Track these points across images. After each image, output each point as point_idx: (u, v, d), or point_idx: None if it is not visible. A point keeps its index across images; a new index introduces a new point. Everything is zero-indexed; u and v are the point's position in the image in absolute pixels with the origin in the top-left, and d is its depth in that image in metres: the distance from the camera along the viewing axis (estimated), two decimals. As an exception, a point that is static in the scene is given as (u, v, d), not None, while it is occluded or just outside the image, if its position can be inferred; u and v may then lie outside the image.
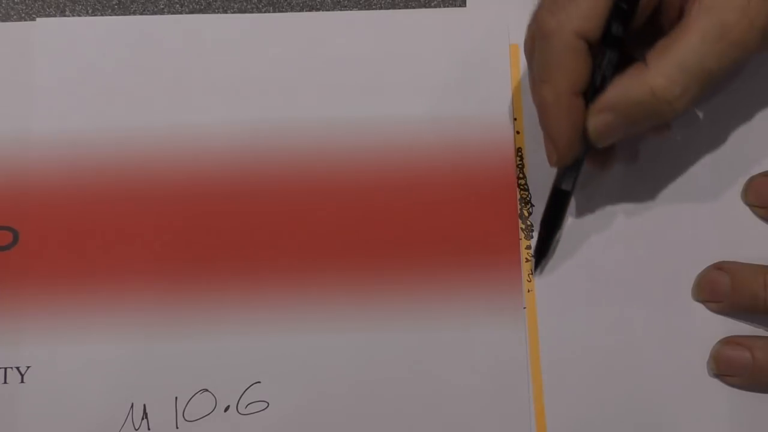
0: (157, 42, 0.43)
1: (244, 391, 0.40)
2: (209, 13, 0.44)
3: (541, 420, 0.40)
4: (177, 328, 0.40)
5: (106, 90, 0.43)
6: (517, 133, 0.43)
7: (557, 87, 0.36)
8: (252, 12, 0.44)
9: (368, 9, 0.44)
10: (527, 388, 0.41)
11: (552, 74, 0.36)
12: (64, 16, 0.44)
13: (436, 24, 0.44)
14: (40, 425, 0.39)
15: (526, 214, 0.42)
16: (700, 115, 0.43)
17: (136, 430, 0.40)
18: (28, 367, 0.40)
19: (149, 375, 0.40)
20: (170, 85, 0.43)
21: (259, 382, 0.40)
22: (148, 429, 0.40)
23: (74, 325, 0.40)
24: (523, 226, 0.42)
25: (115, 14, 0.44)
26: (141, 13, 0.44)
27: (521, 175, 0.42)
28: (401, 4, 0.44)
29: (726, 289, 0.40)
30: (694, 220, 0.42)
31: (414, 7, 0.44)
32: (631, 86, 0.36)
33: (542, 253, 0.41)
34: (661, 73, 0.35)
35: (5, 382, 0.40)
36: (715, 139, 0.43)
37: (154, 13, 0.44)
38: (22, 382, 0.40)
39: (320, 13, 0.44)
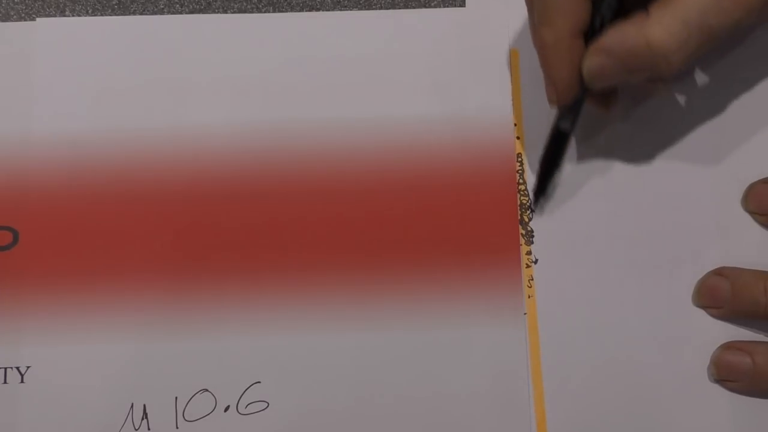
0: (157, 42, 0.43)
1: (244, 391, 0.40)
2: (209, 13, 0.44)
3: (542, 425, 0.40)
4: (177, 328, 0.40)
5: (106, 90, 0.42)
6: (517, 138, 0.43)
7: (557, 29, 0.37)
8: (252, 12, 0.44)
9: (368, 9, 0.44)
10: (528, 393, 0.40)
11: (552, 17, 0.37)
12: (64, 16, 0.44)
13: (436, 24, 0.43)
14: (40, 425, 0.40)
15: (527, 219, 0.42)
16: (701, 118, 0.43)
17: (136, 430, 0.40)
18: (28, 367, 0.40)
19: (149, 375, 0.40)
20: (170, 85, 0.43)
21: (259, 382, 0.40)
22: (148, 429, 0.40)
23: (74, 325, 0.40)
24: (524, 232, 0.42)
25: (115, 14, 0.44)
26: (141, 13, 0.44)
27: (521, 181, 0.42)
28: (401, 4, 0.44)
29: (726, 294, 0.40)
30: (695, 227, 0.42)
31: (414, 7, 0.44)
32: (629, 33, 0.35)
33: (541, 191, 0.41)
34: (661, 23, 0.35)
35: (5, 382, 0.40)
36: (716, 143, 0.42)
37: (154, 13, 0.44)
38: (22, 382, 0.40)
39: (320, 13, 0.44)
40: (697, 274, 0.41)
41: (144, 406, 0.40)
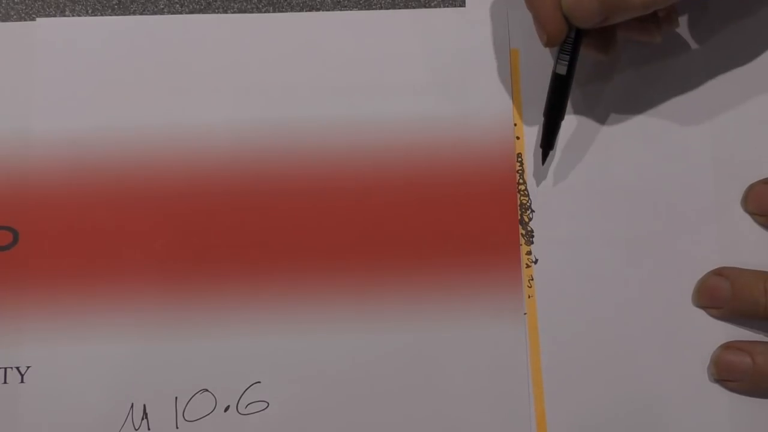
0: (157, 42, 0.43)
1: (244, 391, 0.40)
2: (209, 13, 0.44)
3: (542, 425, 0.40)
4: (177, 327, 0.41)
5: (106, 90, 0.42)
6: (517, 138, 0.43)
7: None
8: (252, 12, 0.44)
9: (368, 9, 0.44)
10: (528, 393, 0.40)
11: None
12: (64, 16, 0.43)
13: (436, 24, 0.43)
14: (40, 425, 0.40)
15: (527, 219, 0.42)
16: (701, 118, 0.43)
17: (136, 430, 0.40)
18: (28, 367, 0.40)
19: (149, 375, 0.40)
20: (170, 85, 0.43)
21: (259, 382, 0.40)
22: (148, 429, 0.40)
23: (74, 325, 0.40)
24: (524, 232, 0.42)
25: (115, 14, 0.44)
26: (141, 13, 0.44)
27: (521, 181, 0.42)
28: (401, 4, 0.44)
29: (726, 294, 0.40)
30: (695, 227, 0.42)
31: (414, 7, 0.44)
32: None
33: (548, 145, 0.41)
34: None
35: (5, 382, 0.40)
36: (716, 144, 0.42)
37: (154, 13, 0.44)
38: (22, 382, 0.40)
39: (320, 13, 0.44)
40: (697, 274, 0.41)
41: (144, 406, 0.40)
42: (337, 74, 0.43)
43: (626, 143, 0.42)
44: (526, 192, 0.42)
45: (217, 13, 0.44)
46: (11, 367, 0.40)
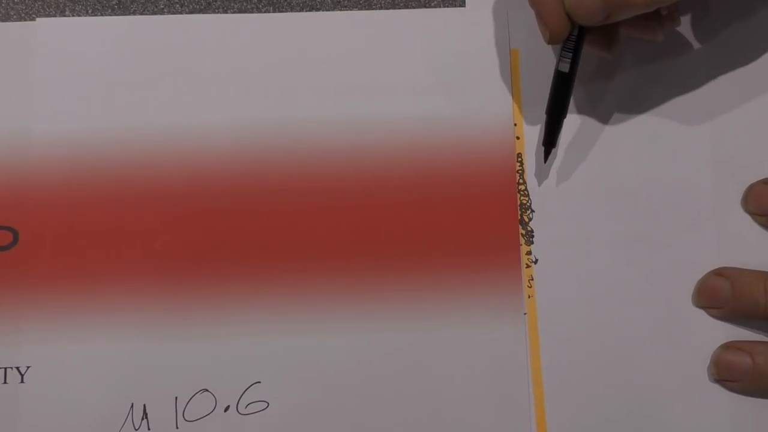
0: (157, 42, 0.43)
1: (244, 391, 0.40)
2: (209, 13, 0.44)
3: (542, 425, 0.40)
4: (177, 328, 0.41)
5: (106, 90, 0.42)
6: (517, 138, 0.43)
7: None
8: (252, 12, 0.44)
9: (368, 9, 0.44)
10: (528, 393, 0.40)
11: None
12: (64, 16, 0.43)
13: (436, 24, 0.43)
14: (40, 425, 0.40)
15: (527, 219, 0.42)
16: (701, 118, 0.43)
17: (136, 430, 0.40)
18: (28, 367, 0.40)
19: (149, 375, 0.40)
20: (170, 85, 0.43)
21: (259, 382, 0.40)
22: (148, 429, 0.40)
23: (74, 325, 0.40)
24: (524, 232, 0.42)
25: (115, 14, 0.44)
26: (141, 13, 0.44)
27: (521, 181, 0.42)
28: (401, 4, 0.44)
29: (726, 295, 0.40)
30: (695, 227, 0.42)
31: (414, 7, 0.44)
32: None
33: (551, 142, 0.41)
34: None
35: (5, 382, 0.40)
36: (717, 144, 0.42)
37: (154, 13, 0.44)
38: (22, 382, 0.40)
39: (320, 13, 0.44)
40: (697, 274, 0.41)
41: (144, 406, 0.40)
42: (337, 74, 0.43)
43: (626, 143, 0.42)
44: (526, 192, 0.42)
45: (217, 13, 0.44)
46: (11, 367, 0.40)
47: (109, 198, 0.41)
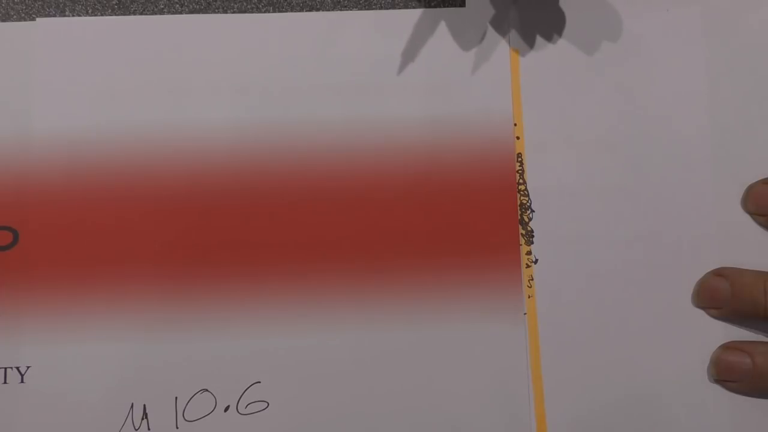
0: (157, 42, 0.43)
1: (244, 391, 0.40)
2: (209, 13, 0.44)
3: (542, 425, 0.40)
4: (177, 327, 0.41)
5: (106, 90, 0.42)
6: (517, 138, 0.43)
7: None
8: (252, 12, 0.44)
9: (368, 9, 0.44)
10: (528, 393, 0.40)
11: None
12: (64, 16, 0.43)
13: (436, 24, 0.43)
14: (40, 425, 0.40)
15: (527, 219, 0.42)
16: (701, 121, 0.43)
17: (136, 430, 0.40)
18: (28, 367, 0.40)
19: (149, 375, 0.40)
20: (170, 85, 0.43)
21: (259, 382, 0.40)
22: (148, 429, 0.40)
23: (74, 325, 0.40)
24: (524, 232, 0.42)
25: (115, 14, 0.44)
26: (141, 13, 0.44)
27: (521, 181, 0.42)
28: (401, 4, 0.44)
29: (726, 295, 0.40)
30: (695, 227, 0.42)
31: (414, 7, 0.44)
32: None
33: None
34: None
35: (5, 382, 0.40)
36: (716, 143, 0.42)
37: (154, 13, 0.44)
38: (22, 382, 0.40)
39: (320, 13, 0.44)
40: (697, 274, 0.41)
41: (144, 406, 0.40)
42: (337, 74, 0.43)
43: (626, 143, 0.42)
44: (526, 192, 0.42)
45: (217, 13, 0.44)
46: (11, 367, 0.40)
47: (109, 198, 0.41)
